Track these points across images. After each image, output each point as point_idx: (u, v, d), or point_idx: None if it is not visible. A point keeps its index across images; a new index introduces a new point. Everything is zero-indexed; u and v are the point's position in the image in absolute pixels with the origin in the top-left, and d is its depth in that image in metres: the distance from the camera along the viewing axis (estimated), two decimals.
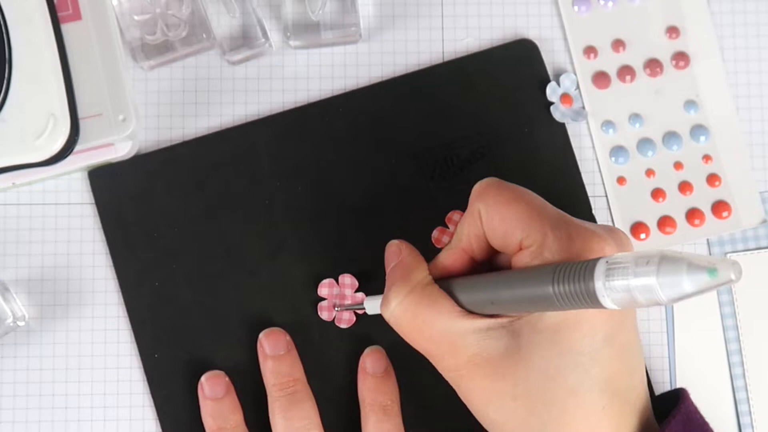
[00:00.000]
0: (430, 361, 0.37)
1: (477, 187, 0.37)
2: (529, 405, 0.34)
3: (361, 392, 0.45)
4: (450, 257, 0.38)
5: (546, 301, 0.31)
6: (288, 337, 0.45)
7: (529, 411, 0.34)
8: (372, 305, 0.43)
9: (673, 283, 0.27)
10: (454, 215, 0.46)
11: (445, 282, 0.37)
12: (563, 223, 0.34)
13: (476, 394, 0.36)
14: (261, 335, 0.45)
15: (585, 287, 0.29)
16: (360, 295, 0.46)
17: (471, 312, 0.36)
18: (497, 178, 0.38)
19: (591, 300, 0.29)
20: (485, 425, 0.37)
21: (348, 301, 0.45)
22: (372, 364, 0.45)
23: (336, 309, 0.46)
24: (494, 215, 0.36)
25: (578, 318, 0.33)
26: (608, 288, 0.28)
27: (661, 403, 0.38)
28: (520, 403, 0.34)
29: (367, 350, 0.45)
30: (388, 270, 0.39)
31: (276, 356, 0.44)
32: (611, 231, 0.35)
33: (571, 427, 0.34)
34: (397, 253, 0.40)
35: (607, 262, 0.29)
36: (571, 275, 0.30)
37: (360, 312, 0.45)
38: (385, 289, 0.38)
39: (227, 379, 0.45)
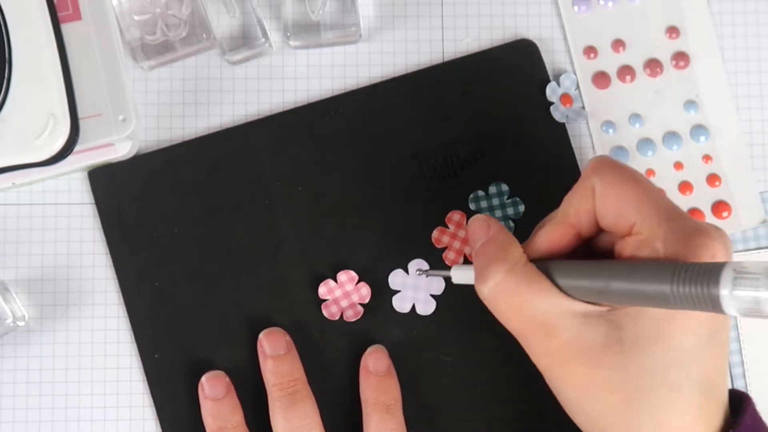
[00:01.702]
0: (521, 343, 0.37)
1: (593, 162, 0.37)
2: (627, 398, 0.34)
3: (363, 391, 0.45)
4: (554, 232, 0.37)
5: (660, 298, 0.31)
6: (288, 337, 0.45)
7: (627, 404, 0.34)
8: (459, 275, 0.41)
9: None
10: (454, 215, 0.46)
11: (542, 264, 0.36)
12: (678, 215, 0.34)
13: (569, 383, 0.35)
14: (261, 335, 0.45)
15: (708, 292, 0.29)
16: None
17: (569, 296, 0.35)
18: (611, 156, 0.37)
19: (712, 305, 0.29)
20: (574, 415, 0.36)
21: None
22: (374, 363, 0.45)
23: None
24: (610, 192, 0.35)
25: (684, 315, 0.33)
26: (734, 296, 0.28)
27: None
28: (617, 396, 0.34)
29: (369, 349, 0.45)
30: (476, 245, 0.38)
31: (276, 356, 0.44)
32: (719, 231, 0.34)
33: (668, 423, 0.34)
34: (485, 228, 0.38)
35: (734, 270, 0.28)
36: (694, 278, 0.29)
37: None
38: (479, 265, 0.37)
39: (227, 379, 0.45)
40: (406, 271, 0.46)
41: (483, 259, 0.37)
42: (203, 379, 0.45)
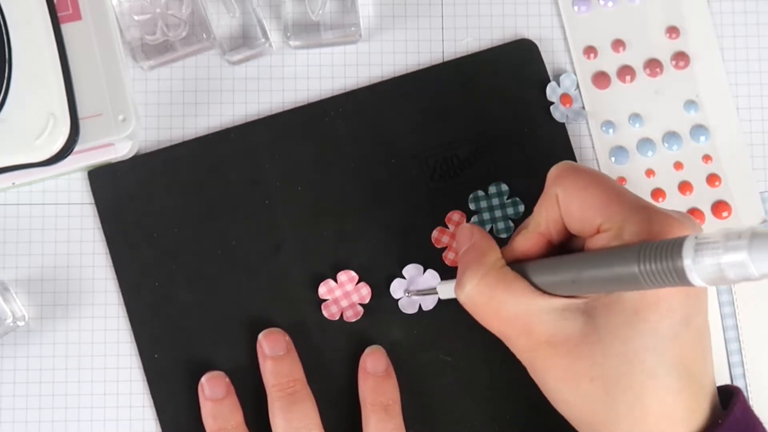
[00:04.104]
0: (505, 342, 0.38)
1: (553, 171, 0.37)
2: (606, 386, 0.34)
3: (362, 392, 0.45)
4: (527, 241, 0.38)
5: (630, 279, 0.31)
6: (287, 338, 0.45)
7: (606, 392, 0.35)
8: (444, 289, 0.43)
9: (766, 257, 0.27)
10: (454, 215, 0.46)
11: (518, 265, 0.37)
12: (642, 207, 0.34)
13: (551, 375, 0.36)
14: (260, 336, 0.45)
15: (673, 265, 0.29)
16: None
17: (546, 293, 0.36)
18: (572, 162, 0.37)
19: (679, 278, 0.29)
20: (557, 406, 0.37)
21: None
22: (372, 363, 0.45)
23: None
24: (572, 200, 0.36)
25: (657, 299, 0.33)
26: (697, 265, 0.28)
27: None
28: (596, 384, 0.35)
29: (367, 350, 0.45)
30: (460, 253, 0.39)
31: (275, 357, 0.44)
32: (688, 217, 0.35)
33: (646, 409, 0.34)
34: (468, 236, 0.39)
35: (696, 237, 0.29)
36: (659, 253, 0.30)
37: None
38: (459, 272, 0.38)
39: (227, 379, 0.45)
40: (403, 276, 0.46)
41: (462, 266, 0.38)
42: (203, 379, 0.45)
